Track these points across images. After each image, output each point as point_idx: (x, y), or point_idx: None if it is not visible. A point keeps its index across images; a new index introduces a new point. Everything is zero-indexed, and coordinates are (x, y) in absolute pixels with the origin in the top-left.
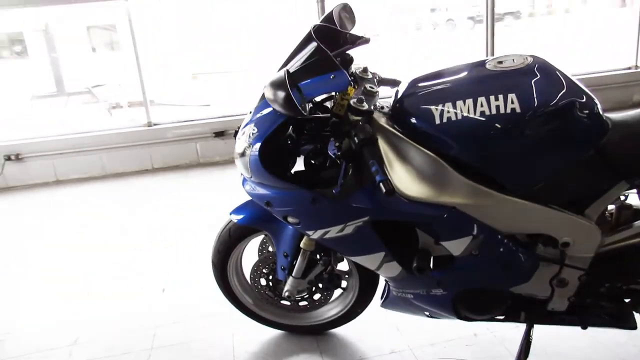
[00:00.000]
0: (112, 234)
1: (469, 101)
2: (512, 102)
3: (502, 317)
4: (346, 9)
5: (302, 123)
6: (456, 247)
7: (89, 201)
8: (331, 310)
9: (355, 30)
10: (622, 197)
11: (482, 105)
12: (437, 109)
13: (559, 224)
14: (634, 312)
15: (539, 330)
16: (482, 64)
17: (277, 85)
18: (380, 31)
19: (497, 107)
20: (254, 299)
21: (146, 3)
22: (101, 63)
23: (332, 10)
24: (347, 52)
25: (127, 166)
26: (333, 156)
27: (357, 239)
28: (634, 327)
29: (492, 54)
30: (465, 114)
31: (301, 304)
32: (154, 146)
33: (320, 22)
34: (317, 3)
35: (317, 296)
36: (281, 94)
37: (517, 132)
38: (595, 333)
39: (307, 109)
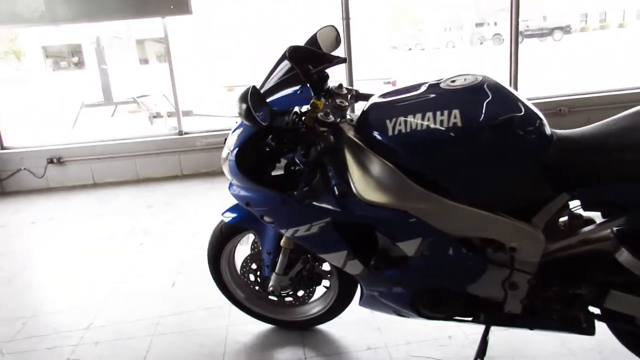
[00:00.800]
0: (136, 234)
1: (418, 115)
2: (455, 117)
3: (462, 318)
4: (330, 31)
5: (281, 133)
6: (409, 248)
7: (123, 203)
8: (315, 308)
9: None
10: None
11: (428, 120)
12: (390, 122)
13: (504, 230)
14: (594, 319)
15: (511, 333)
16: (437, 82)
17: (241, 99)
18: (431, 45)
19: (441, 121)
20: (246, 294)
21: (192, 20)
22: (150, 74)
23: (315, 33)
24: (325, 70)
25: (159, 171)
26: (299, 162)
27: (322, 237)
28: (592, 334)
29: (515, 70)
30: (413, 127)
31: (287, 299)
32: (184, 154)
33: (305, 43)
34: (342, 20)
35: (300, 293)
36: (243, 107)
37: (460, 144)
38: (566, 338)
39: (290, 120)
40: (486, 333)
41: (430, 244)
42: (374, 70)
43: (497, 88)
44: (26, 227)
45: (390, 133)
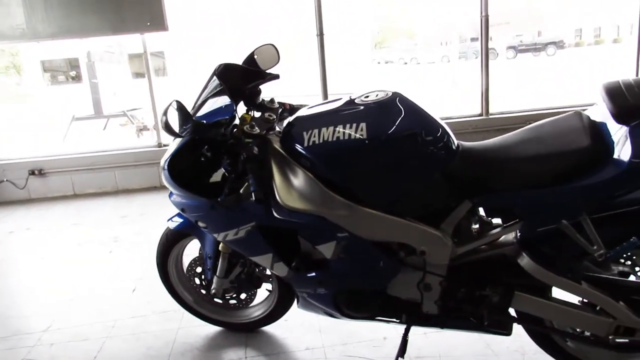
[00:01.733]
0: (107, 243)
1: (330, 128)
2: (362, 130)
3: (384, 318)
4: (268, 49)
5: (216, 143)
6: (326, 250)
7: (99, 214)
8: (258, 310)
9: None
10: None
11: (338, 132)
12: (306, 134)
13: (414, 235)
14: (512, 320)
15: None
16: (353, 97)
17: (163, 112)
18: (425, 60)
19: (349, 134)
20: (193, 297)
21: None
22: (143, 87)
23: (253, 51)
24: (258, 85)
25: (137, 183)
26: (224, 171)
27: (249, 241)
28: (508, 334)
29: (486, 85)
30: (324, 138)
31: (231, 302)
32: None
33: (243, 60)
34: (317, 36)
35: (243, 295)
36: (163, 120)
37: (365, 155)
38: (492, 340)
39: (228, 132)
40: (406, 333)
41: (344, 247)
42: (360, 85)
43: (405, 104)
44: (4, 237)
45: (305, 144)
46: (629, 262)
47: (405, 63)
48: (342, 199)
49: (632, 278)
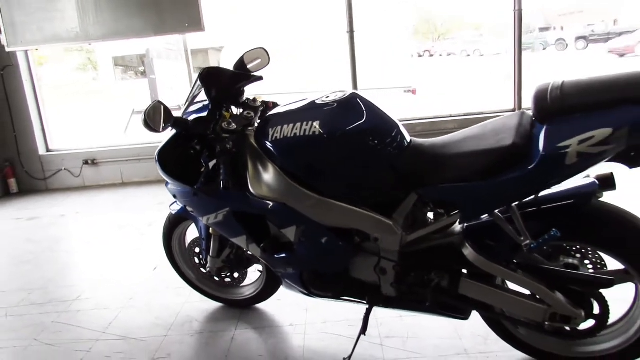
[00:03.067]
0: (141, 227)
1: (291, 125)
2: (315, 127)
3: (350, 298)
4: (258, 52)
5: (200, 138)
6: (290, 234)
7: (141, 200)
8: (250, 289)
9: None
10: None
11: (296, 129)
12: (272, 130)
13: (367, 222)
14: (469, 306)
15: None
16: (316, 97)
17: (143, 111)
18: (489, 51)
19: (305, 130)
20: (195, 275)
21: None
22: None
23: (243, 55)
24: (243, 87)
25: None
26: (203, 162)
27: (227, 224)
28: (465, 318)
29: (519, 80)
30: (284, 134)
31: (226, 280)
32: None
33: (234, 65)
34: (347, 33)
35: (236, 275)
36: (142, 117)
37: (318, 149)
38: (460, 325)
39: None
40: (368, 313)
41: (304, 231)
42: (397, 79)
43: (360, 103)
44: (55, 219)
45: (270, 139)
46: (578, 255)
47: (468, 55)
48: (302, 189)
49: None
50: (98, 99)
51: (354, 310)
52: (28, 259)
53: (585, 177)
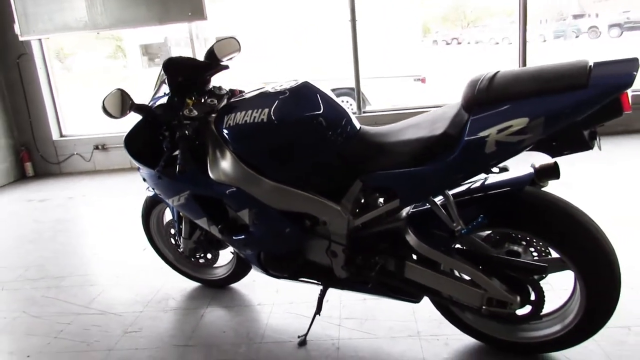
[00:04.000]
0: None
1: (243, 112)
2: (264, 114)
3: (307, 279)
4: (228, 42)
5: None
6: (244, 216)
7: None
8: (223, 270)
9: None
10: None
11: (248, 116)
12: (227, 117)
13: (315, 207)
14: (420, 289)
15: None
16: (272, 87)
17: (102, 99)
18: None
19: (255, 117)
20: (174, 255)
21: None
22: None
23: (213, 44)
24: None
25: None
26: (164, 147)
27: (189, 206)
28: (417, 301)
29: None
30: (237, 121)
31: (200, 261)
32: None
33: (205, 54)
34: (350, 22)
35: (209, 255)
36: (101, 104)
37: (266, 135)
38: (418, 308)
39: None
40: (322, 294)
41: (257, 214)
42: (408, 67)
43: (310, 92)
44: (64, 202)
45: (224, 125)
46: (523, 243)
47: (497, 43)
48: (254, 174)
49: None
50: (127, 85)
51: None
52: (31, 238)
53: (531, 165)
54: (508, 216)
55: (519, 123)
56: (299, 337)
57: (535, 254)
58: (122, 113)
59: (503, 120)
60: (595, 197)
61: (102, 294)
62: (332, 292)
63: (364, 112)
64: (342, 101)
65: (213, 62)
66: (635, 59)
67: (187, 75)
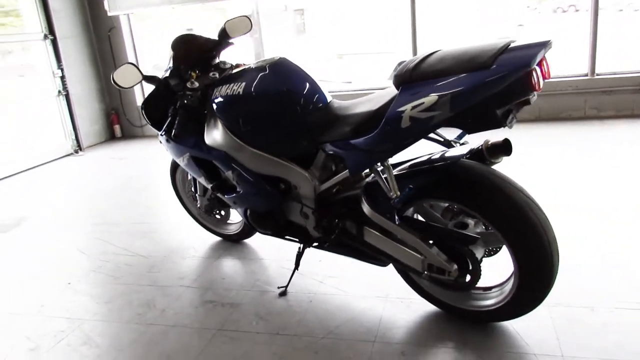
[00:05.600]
0: None
1: (226, 85)
2: (241, 88)
3: (290, 237)
4: (240, 20)
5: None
6: (230, 177)
7: None
8: (236, 226)
9: None
10: None
11: (229, 89)
12: (216, 90)
13: (287, 172)
14: (380, 254)
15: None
16: (255, 62)
17: (112, 72)
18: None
19: (234, 89)
20: (196, 210)
21: None
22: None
23: (225, 23)
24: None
25: None
26: (169, 114)
27: (190, 166)
28: (384, 265)
29: (594, 42)
30: (221, 93)
31: (217, 217)
32: None
33: (218, 32)
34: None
35: (223, 212)
36: (111, 77)
37: (244, 106)
38: (391, 282)
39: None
40: (301, 251)
41: (239, 175)
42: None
43: (284, 67)
44: (138, 160)
45: (213, 97)
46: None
47: (620, 10)
48: (237, 140)
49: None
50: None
51: (320, 255)
52: (105, 190)
53: (485, 140)
54: (440, 188)
55: (429, 100)
56: (278, 287)
57: (483, 227)
58: (130, 84)
59: (417, 98)
60: (543, 179)
61: (140, 240)
62: (325, 253)
63: None
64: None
65: (223, 39)
66: (543, 43)
67: (193, 52)
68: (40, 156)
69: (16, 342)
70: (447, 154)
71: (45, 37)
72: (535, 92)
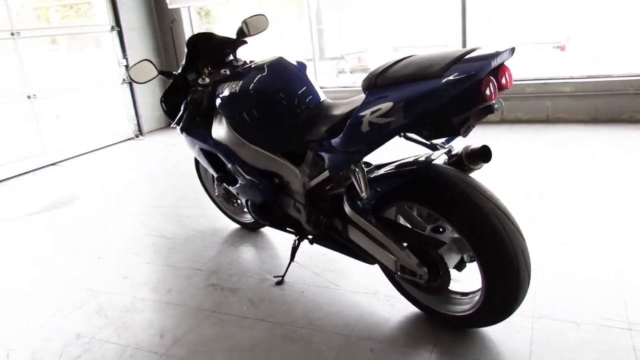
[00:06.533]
0: None
1: (227, 84)
2: (237, 86)
3: (289, 229)
4: (257, 18)
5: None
6: (233, 169)
7: None
8: (249, 216)
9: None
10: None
11: (228, 87)
12: (219, 87)
13: (279, 167)
14: (363, 252)
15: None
16: (257, 61)
17: (129, 67)
18: None
19: (232, 87)
20: (217, 199)
21: None
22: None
23: (243, 21)
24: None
25: None
26: (182, 107)
27: (201, 158)
28: (372, 263)
29: None
30: (223, 91)
31: (234, 205)
32: None
33: (237, 32)
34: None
35: (239, 201)
36: (128, 74)
37: (237, 104)
38: (376, 275)
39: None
40: (297, 244)
41: (239, 168)
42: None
43: (280, 67)
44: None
45: (217, 94)
46: None
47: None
48: (237, 135)
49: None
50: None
51: (323, 250)
52: (153, 174)
53: (465, 146)
54: (408, 191)
55: (386, 107)
56: (274, 277)
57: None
58: (145, 79)
59: (376, 104)
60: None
61: (171, 223)
62: (325, 250)
63: None
64: None
65: (239, 37)
66: (494, 54)
67: (208, 49)
68: (104, 139)
69: (42, 305)
70: (420, 158)
71: (112, 28)
72: (493, 101)
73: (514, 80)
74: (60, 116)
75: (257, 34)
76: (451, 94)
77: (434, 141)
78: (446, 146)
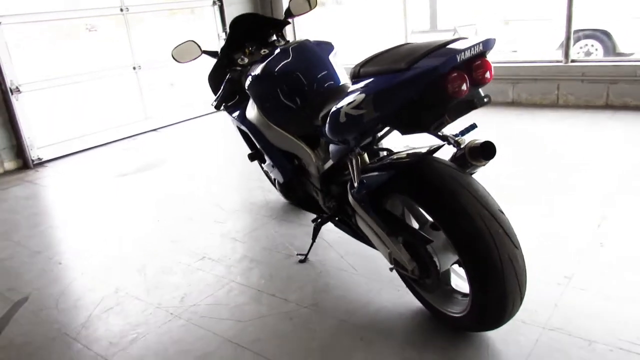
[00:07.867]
0: None
1: (254, 66)
2: (263, 67)
3: (310, 210)
4: (302, 1)
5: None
6: (261, 148)
7: None
8: None
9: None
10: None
11: (254, 69)
12: (250, 69)
13: (297, 149)
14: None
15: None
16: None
17: (173, 47)
18: None
19: (258, 68)
20: None
21: None
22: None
23: (290, 2)
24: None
25: None
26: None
27: (240, 135)
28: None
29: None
30: (250, 73)
31: None
32: None
33: (285, 12)
34: None
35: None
36: (171, 53)
37: (262, 86)
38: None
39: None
40: (318, 225)
41: (264, 147)
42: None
43: (302, 49)
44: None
45: (246, 75)
46: None
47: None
48: (262, 116)
49: None
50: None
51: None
52: (233, 146)
53: (469, 141)
54: (398, 184)
55: (359, 98)
56: (298, 254)
57: None
58: (188, 59)
59: (352, 95)
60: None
61: (231, 194)
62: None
63: (573, 61)
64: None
65: (285, 18)
66: (461, 49)
67: (249, 30)
68: (200, 109)
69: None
70: (420, 151)
71: (214, 3)
72: (463, 97)
73: (623, 62)
74: (174, 84)
75: (302, 13)
76: (417, 88)
77: (444, 133)
78: (456, 138)
